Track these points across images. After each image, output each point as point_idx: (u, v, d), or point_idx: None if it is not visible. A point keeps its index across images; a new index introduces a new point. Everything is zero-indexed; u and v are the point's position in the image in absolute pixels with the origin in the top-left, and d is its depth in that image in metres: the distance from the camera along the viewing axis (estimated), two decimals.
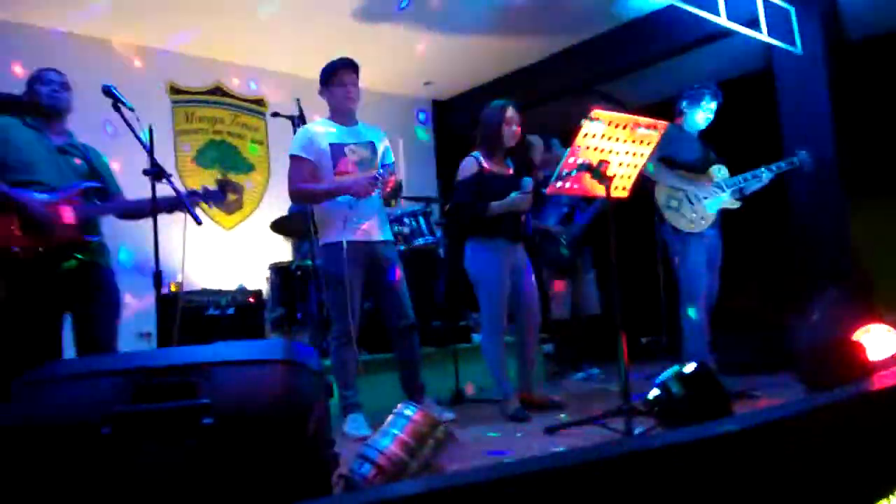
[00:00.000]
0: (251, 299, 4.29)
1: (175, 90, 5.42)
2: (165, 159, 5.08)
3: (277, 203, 5.29)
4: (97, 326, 2.69)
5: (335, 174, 3.21)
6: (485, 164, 3.43)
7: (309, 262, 4.05)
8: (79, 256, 2.66)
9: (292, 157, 3.24)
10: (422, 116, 6.86)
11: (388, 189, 3.23)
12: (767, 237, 5.01)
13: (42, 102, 2.75)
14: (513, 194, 3.31)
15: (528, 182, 3.30)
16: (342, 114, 3.33)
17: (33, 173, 2.62)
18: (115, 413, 1.43)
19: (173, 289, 4.17)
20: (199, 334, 3.85)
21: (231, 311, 4.09)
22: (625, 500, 1.31)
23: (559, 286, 4.89)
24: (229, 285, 4.71)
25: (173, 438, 1.43)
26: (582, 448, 2.39)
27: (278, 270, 4.49)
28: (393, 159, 3.44)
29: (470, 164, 3.44)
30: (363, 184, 3.09)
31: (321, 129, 3.30)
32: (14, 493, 1.40)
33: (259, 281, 4.76)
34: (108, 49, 4.99)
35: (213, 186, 2.97)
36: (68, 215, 2.62)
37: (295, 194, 3.27)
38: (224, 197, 2.94)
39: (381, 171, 3.12)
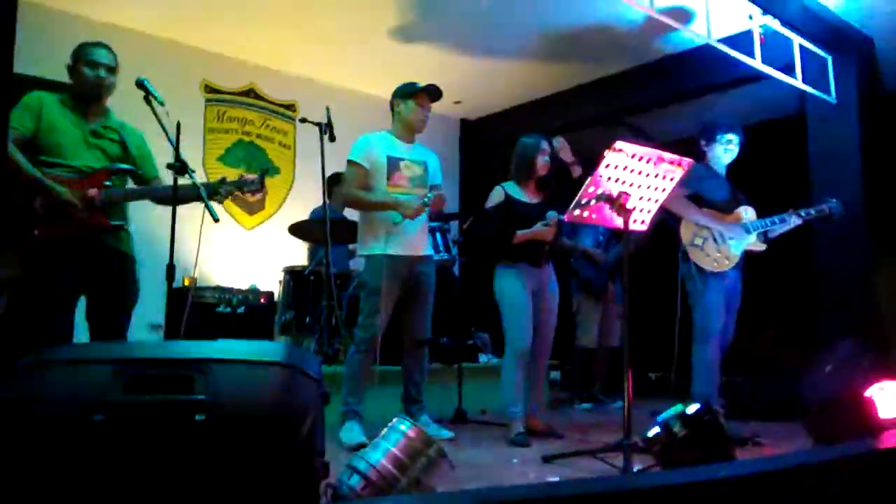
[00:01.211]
0: (262, 300, 4.31)
1: (209, 89, 5.51)
2: (194, 155, 5.20)
3: (298, 207, 5.33)
4: (110, 313, 2.70)
5: (388, 186, 3.31)
6: (512, 193, 3.51)
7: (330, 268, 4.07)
8: (101, 241, 2.67)
9: (350, 161, 3.35)
10: None
11: (435, 211, 3.40)
12: (788, 283, 4.94)
13: (86, 86, 2.71)
14: (537, 224, 3.35)
15: (552, 214, 3.33)
16: (408, 131, 3.44)
17: (63, 156, 2.63)
18: (108, 401, 1.43)
19: (186, 283, 4.20)
20: (207, 330, 3.88)
21: (241, 310, 4.12)
22: None
23: (588, 311, 4.86)
24: (243, 284, 4.74)
25: (165, 431, 1.43)
26: (576, 480, 2.37)
27: (292, 274, 4.51)
28: (441, 180, 3.60)
29: (497, 194, 3.55)
30: (413, 205, 3.21)
31: (380, 140, 3.40)
32: (4, 474, 1.41)
33: (273, 283, 4.78)
34: (147, 42, 5.08)
35: (251, 175, 2.91)
36: (92, 200, 2.62)
37: (346, 197, 3.42)
38: (262, 186, 2.87)
39: (430, 194, 3.26)
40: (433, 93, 3.43)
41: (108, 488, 1.39)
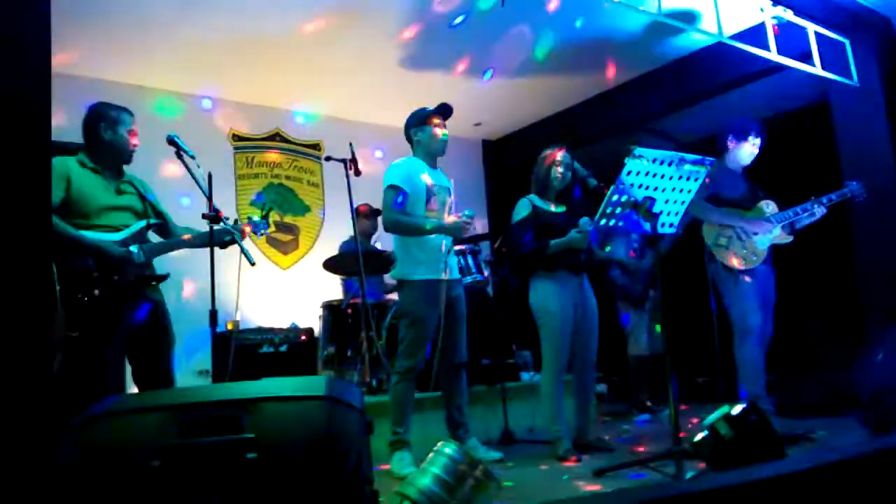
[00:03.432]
0: (303, 337, 4.39)
1: (237, 137, 5.68)
2: (227, 202, 5.36)
3: (331, 243, 5.42)
4: (159, 360, 2.75)
5: (426, 211, 3.33)
6: (538, 205, 3.50)
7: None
8: (144, 295, 2.74)
9: (392, 186, 3.29)
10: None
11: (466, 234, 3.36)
12: (829, 272, 4.84)
13: (123, 152, 2.78)
14: (572, 232, 3.33)
15: (585, 221, 3.32)
16: (431, 155, 3.45)
17: (95, 217, 2.68)
18: (163, 446, 1.50)
19: (229, 327, 4.31)
20: (252, 371, 3.96)
21: (284, 348, 4.20)
22: None
23: (635, 320, 4.83)
24: (284, 323, 4.83)
25: (219, 471, 1.48)
26: (630, 489, 2.35)
27: (330, 309, 4.58)
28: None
29: (524, 206, 3.53)
30: (460, 226, 3.23)
31: (417, 166, 3.40)
32: None
33: (312, 319, 4.87)
34: (174, 100, 5.28)
35: (257, 216, 3.02)
36: (137, 255, 2.71)
37: (392, 223, 3.31)
38: (267, 225, 2.99)
39: (469, 211, 3.27)
40: (445, 110, 3.45)
41: None
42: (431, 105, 3.49)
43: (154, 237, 2.92)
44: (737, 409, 2.11)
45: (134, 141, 2.82)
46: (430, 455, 1.86)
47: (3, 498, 1.40)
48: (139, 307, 2.71)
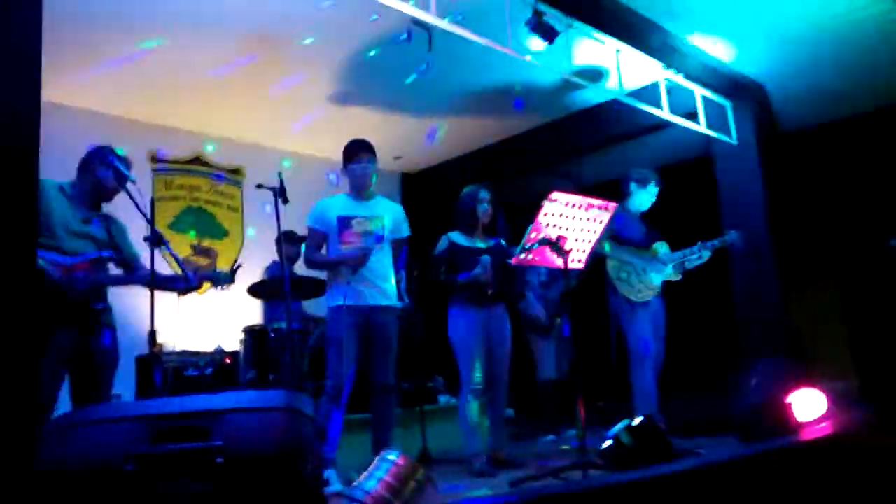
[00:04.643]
0: (228, 360, 4.43)
1: (155, 159, 5.67)
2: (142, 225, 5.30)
3: (249, 268, 5.46)
4: (97, 382, 2.83)
5: (340, 244, 3.54)
6: (456, 241, 3.81)
7: (283, 325, 4.27)
8: (86, 320, 2.81)
9: (307, 227, 3.63)
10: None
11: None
12: (711, 307, 5.40)
13: (107, 191, 2.98)
14: (475, 269, 3.64)
15: (485, 259, 3.65)
16: (357, 188, 3.66)
17: (54, 239, 2.78)
18: (137, 453, 1.63)
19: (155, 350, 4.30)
20: (177, 393, 3.97)
21: (209, 371, 4.23)
22: None
23: (541, 347, 5.16)
24: (204, 347, 4.83)
25: (190, 476, 1.63)
26: (541, 486, 2.61)
27: (251, 333, 4.65)
28: (409, 233, 3.77)
29: (442, 242, 3.87)
30: (355, 255, 3.45)
31: (334, 202, 3.64)
32: None
33: (232, 343, 4.90)
34: (93, 119, 5.22)
35: (225, 270, 3.22)
36: (79, 282, 2.78)
37: (307, 261, 3.68)
38: (231, 281, 3.16)
39: (371, 243, 3.49)
40: (364, 146, 3.64)
41: None
42: (352, 137, 3.71)
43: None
44: (636, 421, 2.45)
45: (118, 181, 2.99)
46: (376, 461, 2.06)
47: None
48: (81, 330, 2.80)
